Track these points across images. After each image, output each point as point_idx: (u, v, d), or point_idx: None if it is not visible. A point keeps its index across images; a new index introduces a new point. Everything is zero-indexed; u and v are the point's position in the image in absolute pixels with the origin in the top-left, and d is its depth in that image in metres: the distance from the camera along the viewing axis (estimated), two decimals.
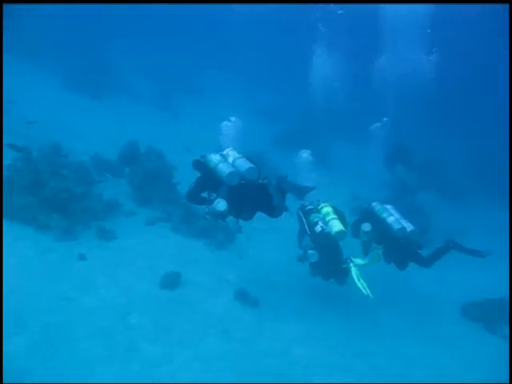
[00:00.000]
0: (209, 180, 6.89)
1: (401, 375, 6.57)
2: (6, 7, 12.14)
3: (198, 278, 7.88)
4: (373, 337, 7.46)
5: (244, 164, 6.75)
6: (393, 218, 8.04)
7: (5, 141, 9.44)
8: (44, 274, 6.73)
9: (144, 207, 9.81)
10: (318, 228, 7.62)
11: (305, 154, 10.03)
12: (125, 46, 24.16)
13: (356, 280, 7.39)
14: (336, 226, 7.54)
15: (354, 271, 7.48)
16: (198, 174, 7.12)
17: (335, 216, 7.72)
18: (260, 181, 6.89)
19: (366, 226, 8.14)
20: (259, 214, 7.15)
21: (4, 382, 4.71)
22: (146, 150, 10.72)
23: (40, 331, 5.66)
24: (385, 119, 14.31)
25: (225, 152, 7.06)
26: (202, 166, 7.01)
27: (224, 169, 6.64)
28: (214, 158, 6.87)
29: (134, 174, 10.21)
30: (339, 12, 17.01)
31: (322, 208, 7.99)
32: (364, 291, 7.31)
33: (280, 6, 26.67)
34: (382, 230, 8.13)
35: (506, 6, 18.03)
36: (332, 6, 20.13)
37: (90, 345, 5.71)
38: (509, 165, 16.69)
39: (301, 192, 7.80)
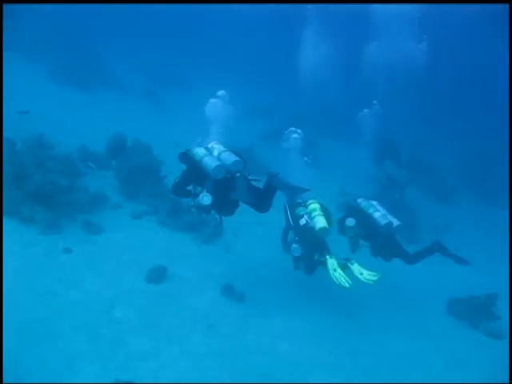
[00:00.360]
0: (194, 173, 6.87)
1: (387, 373, 6.57)
2: None
3: (184, 273, 7.81)
4: (359, 333, 7.47)
5: (229, 157, 6.75)
6: (379, 213, 8.13)
7: None
8: (27, 269, 6.63)
9: (130, 201, 9.71)
10: (303, 221, 7.67)
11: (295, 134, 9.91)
12: (113, 40, 23.94)
13: (331, 272, 7.37)
14: (320, 222, 7.55)
15: (329, 263, 7.44)
16: (184, 168, 7.08)
17: (321, 213, 7.73)
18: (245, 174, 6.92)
19: (350, 221, 8.26)
20: (246, 208, 7.13)
21: (4, 382, 4.64)
22: (133, 144, 10.63)
23: (21, 327, 5.54)
24: (374, 102, 14.25)
25: (210, 145, 7.05)
26: (187, 159, 6.98)
27: (210, 162, 6.61)
28: (200, 151, 6.85)
29: (121, 167, 10.11)
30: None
31: (309, 204, 7.99)
32: (338, 282, 7.26)
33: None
34: (368, 226, 8.20)
35: (506, 6, 18.10)
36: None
37: (74, 339, 5.63)
38: (509, 164, 16.79)
39: (292, 191, 7.79)
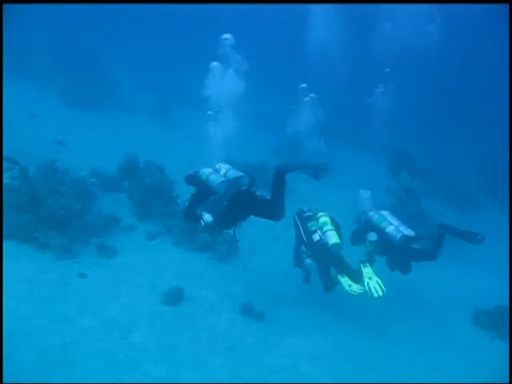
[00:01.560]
0: (203, 193, 6.86)
1: None
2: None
3: (201, 293, 7.68)
4: (382, 349, 7.23)
5: (235, 173, 6.83)
6: (392, 227, 7.94)
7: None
8: (42, 295, 6.55)
9: (144, 222, 9.64)
10: (316, 237, 7.54)
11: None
12: (123, 58, 24.15)
13: (347, 288, 7.39)
14: (333, 237, 7.48)
15: (365, 271, 7.43)
16: (193, 190, 7.08)
17: (332, 227, 7.66)
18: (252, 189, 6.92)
19: (372, 236, 8.02)
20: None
21: (4, 382, 4.58)
22: (145, 164, 10.60)
23: (33, 357, 5.42)
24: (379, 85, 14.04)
25: (217, 166, 7.06)
26: (195, 180, 7.00)
27: (215, 179, 6.70)
28: (206, 170, 6.90)
29: (134, 188, 10.06)
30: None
31: (319, 217, 7.90)
32: (373, 291, 7.23)
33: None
34: (382, 241, 8.00)
35: (506, 6, 17.94)
36: None
37: (90, 367, 5.50)
38: (509, 169, 16.47)
39: (313, 170, 7.41)
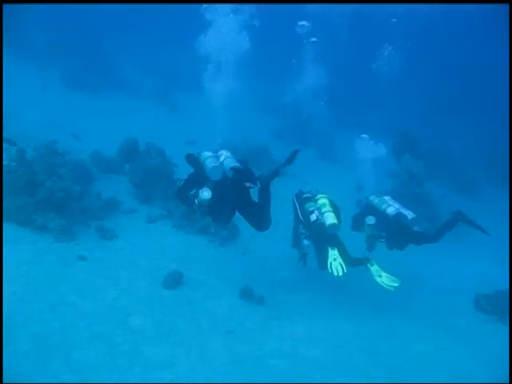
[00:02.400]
0: (198, 175, 6.84)
1: (411, 373, 6.26)
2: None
3: (201, 277, 7.63)
4: (383, 334, 7.14)
5: (230, 163, 6.75)
6: (392, 208, 7.99)
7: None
8: (40, 278, 6.47)
9: (145, 205, 9.61)
10: (313, 217, 7.61)
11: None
12: (122, 41, 23.94)
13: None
14: (330, 218, 7.55)
15: (330, 254, 7.54)
16: (191, 171, 7.05)
17: (331, 209, 7.71)
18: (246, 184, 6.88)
19: (370, 219, 8.13)
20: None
21: (4, 382, 4.53)
22: (146, 147, 10.50)
23: (31, 340, 5.35)
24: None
25: (219, 152, 7.02)
26: (194, 160, 6.97)
27: (209, 163, 6.66)
28: (206, 153, 6.87)
29: (135, 171, 9.98)
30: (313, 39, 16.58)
31: (318, 198, 7.94)
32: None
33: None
34: (383, 222, 8.08)
35: (506, 6, 17.83)
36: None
37: (88, 351, 5.43)
38: (509, 155, 16.31)
39: (286, 163, 7.25)
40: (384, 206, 8.09)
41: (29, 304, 5.93)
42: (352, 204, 8.92)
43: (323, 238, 7.65)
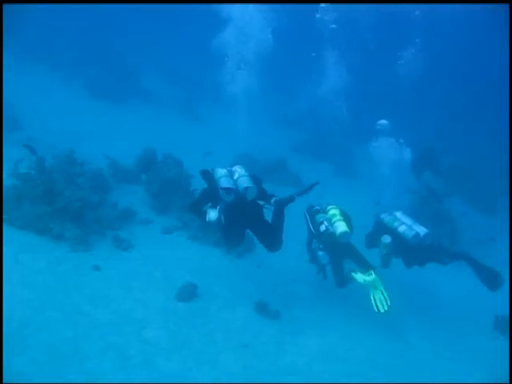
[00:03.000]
0: (212, 192, 6.86)
1: None
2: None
3: (215, 289, 7.56)
4: (400, 352, 7.01)
5: (244, 182, 6.72)
6: (404, 226, 7.88)
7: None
8: (55, 287, 6.46)
9: (161, 215, 9.58)
10: (323, 227, 7.58)
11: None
12: (145, 51, 24.16)
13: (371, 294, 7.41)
14: (341, 226, 7.50)
15: (358, 278, 7.50)
16: (205, 186, 7.12)
17: (341, 218, 7.66)
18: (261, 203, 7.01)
19: (386, 238, 7.98)
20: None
21: (4, 382, 4.51)
22: (163, 157, 10.51)
23: (45, 349, 5.32)
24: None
25: (233, 168, 7.02)
26: (209, 176, 7.00)
27: (223, 183, 6.64)
28: (221, 171, 6.85)
29: (151, 181, 9.99)
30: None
31: (329, 210, 7.90)
32: (380, 307, 7.26)
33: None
34: (396, 241, 7.94)
35: (506, 6, 17.67)
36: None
37: (101, 361, 5.39)
38: (509, 167, 16.00)
39: (303, 192, 7.48)
40: (396, 224, 7.99)
41: (43, 312, 5.92)
42: (369, 219, 8.80)
43: (336, 248, 7.62)
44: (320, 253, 7.70)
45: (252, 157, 14.87)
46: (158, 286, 7.23)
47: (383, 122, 9.09)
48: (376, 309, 7.25)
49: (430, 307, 8.48)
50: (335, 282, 7.72)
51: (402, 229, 7.86)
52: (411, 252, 7.92)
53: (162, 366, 5.60)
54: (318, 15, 15.56)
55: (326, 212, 7.92)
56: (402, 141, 10.00)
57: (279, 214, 7.02)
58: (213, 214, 6.65)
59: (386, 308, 7.17)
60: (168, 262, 8.03)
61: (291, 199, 7.03)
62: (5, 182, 8.19)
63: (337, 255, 7.71)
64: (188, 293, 7.09)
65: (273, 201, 7.02)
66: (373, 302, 7.32)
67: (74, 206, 7.79)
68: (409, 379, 6.33)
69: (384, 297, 7.27)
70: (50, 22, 19.57)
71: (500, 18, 18.96)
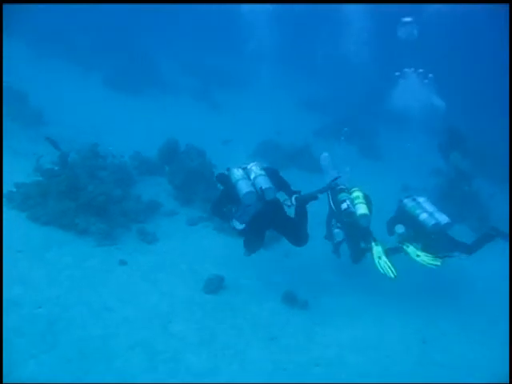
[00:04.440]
0: (230, 194, 6.78)
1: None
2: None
3: (242, 281, 7.49)
4: (433, 342, 6.83)
5: (263, 183, 6.62)
6: (425, 214, 7.74)
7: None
8: (82, 283, 6.46)
9: (186, 207, 9.53)
10: (344, 205, 7.57)
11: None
12: (165, 41, 24.07)
13: (376, 260, 7.25)
14: (362, 209, 7.52)
15: (375, 250, 7.33)
16: (222, 188, 7.09)
17: (363, 201, 7.65)
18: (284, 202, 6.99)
19: (400, 228, 7.91)
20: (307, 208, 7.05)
21: (4, 382, 4.51)
22: (186, 148, 10.42)
23: (74, 346, 5.31)
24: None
25: (249, 166, 6.92)
26: (225, 179, 6.93)
27: (242, 187, 6.56)
28: (237, 172, 6.77)
29: (175, 172, 9.93)
30: None
31: (353, 191, 7.89)
32: (383, 271, 7.13)
33: None
34: (416, 228, 7.83)
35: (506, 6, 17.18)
36: None
37: (129, 358, 5.36)
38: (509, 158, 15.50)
39: (326, 189, 7.78)
40: (418, 212, 7.85)
41: (71, 309, 5.92)
42: (394, 205, 8.61)
43: (355, 228, 7.59)
44: (336, 230, 7.73)
45: (275, 143, 14.69)
46: (184, 279, 7.19)
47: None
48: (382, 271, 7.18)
49: (460, 292, 8.28)
50: (350, 257, 7.72)
51: (423, 217, 7.73)
52: (431, 240, 7.74)
53: (190, 360, 5.55)
54: None
55: (350, 193, 7.90)
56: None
57: (301, 211, 6.97)
58: (238, 224, 6.63)
59: (391, 275, 7.08)
60: (194, 254, 7.98)
61: (314, 197, 7.00)
62: (29, 179, 8.21)
63: (353, 234, 7.66)
64: (214, 285, 7.03)
65: (293, 198, 6.96)
66: (378, 266, 7.24)
67: (98, 201, 7.77)
68: (445, 370, 6.18)
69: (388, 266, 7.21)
70: (65, 13, 19.57)
71: (500, 18, 18.56)
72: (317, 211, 7.97)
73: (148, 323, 6.02)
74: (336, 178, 7.87)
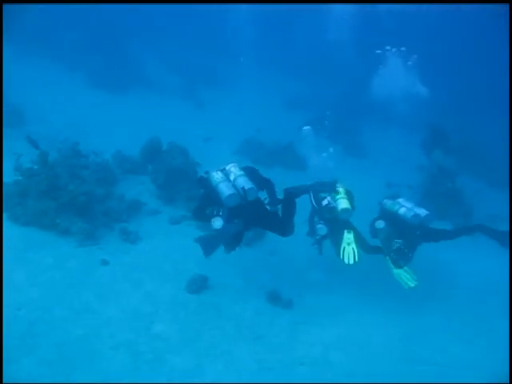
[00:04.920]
0: (211, 197, 6.71)
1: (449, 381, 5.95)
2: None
3: (226, 280, 7.42)
4: (418, 338, 6.81)
5: (244, 184, 6.56)
6: (404, 208, 7.90)
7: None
8: (64, 284, 6.36)
9: (168, 206, 9.44)
10: (325, 201, 7.61)
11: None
12: (148, 40, 23.88)
13: (343, 245, 7.39)
14: (343, 203, 7.54)
15: (345, 237, 7.44)
16: (202, 191, 7.07)
17: (345, 196, 7.70)
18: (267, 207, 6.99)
19: (380, 223, 8.07)
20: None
21: (4, 382, 4.45)
22: (168, 146, 10.32)
23: (55, 349, 5.23)
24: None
25: (227, 167, 6.87)
26: (205, 182, 6.87)
27: (223, 190, 6.49)
28: (216, 175, 6.71)
29: (157, 171, 9.82)
30: None
31: None
32: (343, 256, 7.31)
33: None
34: (397, 224, 7.96)
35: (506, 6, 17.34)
36: None
37: (112, 359, 5.29)
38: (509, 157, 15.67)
39: (321, 188, 7.84)
40: (396, 207, 8.02)
41: (51, 310, 5.85)
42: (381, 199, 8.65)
43: (337, 224, 7.61)
44: (319, 225, 7.70)
45: (258, 141, 14.65)
46: (168, 279, 7.12)
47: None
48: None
49: (447, 288, 8.29)
50: (335, 253, 7.65)
51: (402, 211, 7.88)
52: (412, 233, 7.85)
53: (173, 361, 5.49)
54: None
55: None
56: None
57: (290, 204, 6.95)
58: (218, 223, 6.45)
59: (351, 262, 7.25)
60: (177, 253, 7.90)
61: (303, 191, 7.13)
62: (8, 178, 8.06)
63: (336, 229, 7.65)
64: (198, 284, 6.96)
65: (284, 190, 7.01)
66: (341, 253, 7.36)
67: (80, 200, 7.65)
68: (430, 367, 6.18)
69: (354, 252, 7.34)
70: (50, 12, 19.29)
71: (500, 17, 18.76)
72: (303, 209, 7.99)
73: (131, 324, 5.95)
74: (334, 182, 7.93)
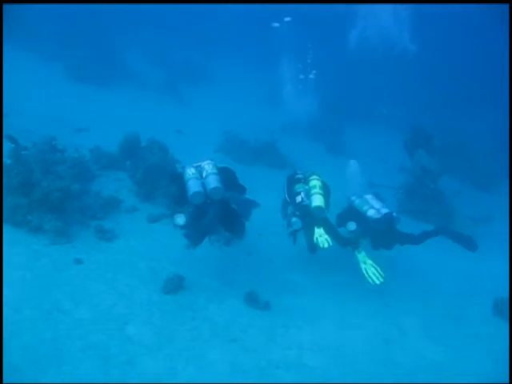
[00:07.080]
0: (181, 194, 6.74)
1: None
2: None
3: (203, 280, 7.28)
4: (396, 342, 6.76)
5: (211, 183, 6.59)
6: (373, 210, 7.91)
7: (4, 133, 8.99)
8: (34, 283, 6.13)
9: (146, 203, 9.25)
10: (299, 198, 7.64)
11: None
12: (130, 34, 23.66)
13: (315, 237, 7.49)
14: (316, 201, 7.49)
15: (316, 231, 7.53)
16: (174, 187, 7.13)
17: (320, 191, 7.61)
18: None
19: (351, 225, 7.95)
20: (272, 206, 7.66)
21: (4, 382, 4.35)
22: (148, 142, 10.11)
23: (22, 352, 5.03)
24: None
25: (202, 164, 6.88)
26: (178, 178, 6.88)
27: (190, 187, 6.55)
28: (189, 171, 6.72)
29: (136, 167, 9.62)
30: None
31: (310, 180, 7.84)
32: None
33: None
34: (365, 224, 7.98)
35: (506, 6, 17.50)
36: None
37: (82, 362, 5.11)
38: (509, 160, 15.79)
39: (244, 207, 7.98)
40: (365, 208, 8.01)
41: (21, 311, 5.62)
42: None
43: (310, 220, 7.57)
44: (293, 219, 7.63)
45: (240, 138, 14.51)
46: (143, 279, 6.94)
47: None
48: (371, 281, 7.33)
49: (423, 292, 8.24)
50: (307, 248, 7.75)
51: (370, 213, 7.88)
52: (379, 235, 7.96)
53: (145, 364, 5.34)
54: None
55: (307, 182, 7.87)
56: None
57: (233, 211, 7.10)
58: (179, 220, 6.60)
59: (381, 279, 7.28)
60: (154, 252, 7.73)
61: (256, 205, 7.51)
62: None
63: (311, 224, 7.62)
64: (174, 285, 6.80)
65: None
66: (367, 276, 7.37)
67: (54, 196, 7.42)
68: (406, 371, 6.12)
69: (376, 270, 7.37)
70: (30, 4, 18.93)
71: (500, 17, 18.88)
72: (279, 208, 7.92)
73: (103, 325, 5.77)
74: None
